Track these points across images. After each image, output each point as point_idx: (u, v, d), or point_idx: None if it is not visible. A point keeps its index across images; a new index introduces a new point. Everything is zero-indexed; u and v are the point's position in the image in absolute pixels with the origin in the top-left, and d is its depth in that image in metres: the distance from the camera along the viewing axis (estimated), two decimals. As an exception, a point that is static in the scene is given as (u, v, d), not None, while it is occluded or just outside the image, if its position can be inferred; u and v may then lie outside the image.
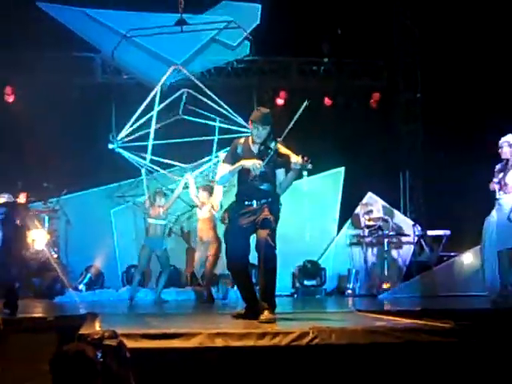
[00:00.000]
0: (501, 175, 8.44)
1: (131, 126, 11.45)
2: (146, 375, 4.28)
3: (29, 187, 12.12)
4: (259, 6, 12.55)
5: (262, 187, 6.95)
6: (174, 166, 12.15)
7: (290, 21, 13.95)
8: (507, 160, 8.47)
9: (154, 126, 11.49)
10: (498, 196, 8.49)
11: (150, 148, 11.45)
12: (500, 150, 8.52)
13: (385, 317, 6.76)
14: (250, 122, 7.21)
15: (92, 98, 13.85)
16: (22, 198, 11.92)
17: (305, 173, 12.60)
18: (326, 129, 13.97)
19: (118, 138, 11.43)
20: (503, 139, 8.54)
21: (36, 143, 12.23)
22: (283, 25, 13.83)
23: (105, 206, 12.66)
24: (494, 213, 8.56)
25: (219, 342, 5.08)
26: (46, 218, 11.94)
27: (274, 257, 6.91)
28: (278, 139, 6.87)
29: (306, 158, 6.65)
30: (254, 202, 6.96)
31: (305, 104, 6.77)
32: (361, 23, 14.36)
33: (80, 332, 5.09)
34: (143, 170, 11.78)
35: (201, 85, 11.99)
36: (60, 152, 12.31)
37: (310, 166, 6.67)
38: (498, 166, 8.57)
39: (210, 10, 12.60)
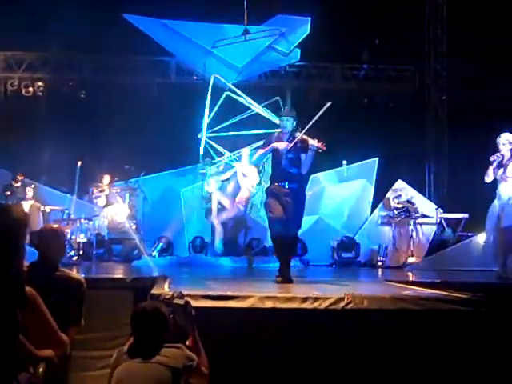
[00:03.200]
0: (500, 171, 8.22)
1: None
2: (205, 331, 4.30)
3: (114, 169, 12.30)
4: (309, 19, 12.47)
5: (291, 170, 7.24)
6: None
7: (334, 31, 13.80)
8: (502, 156, 8.25)
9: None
10: (499, 187, 8.29)
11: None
12: (499, 146, 8.30)
13: (410, 286, 6.69)
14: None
15: (167, 95, 13.93)
16: (106, 179, 12.13)
17: (345, 162, 12.63)
18: (364, 125, 13.79)
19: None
20: (503, 137, 8.29)
21: (120, 133, 12.39)
22: (329, 35, 13.70)
23: (176, 185, 12.75)
24: (495, 202, 8.38)
25: (268, 304, 5.10)
26: (127, 195, 12.06)
27: (296, 237, 7.40)
28: (300, 130, 7.27)
29: (321, 142, 7.09)
30: (286, 183, 7.21)
31: (327, 105, 7.40)
32: (396, 34, 14.15)
33: (152, 292, 5.16)
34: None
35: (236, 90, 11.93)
36: (140, 140, 12.45)
37: (324, 147, 7.10)
38: (495, 161, 8.29)
39: (267, 21, 12.55)
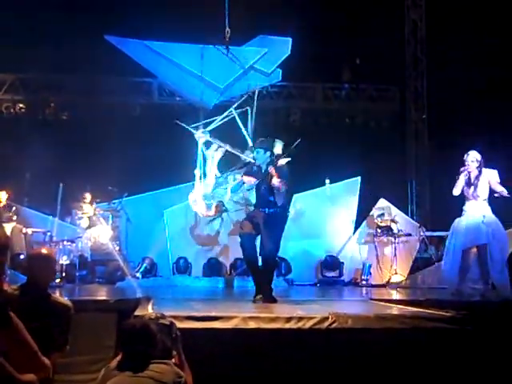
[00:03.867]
0: (471, 190, 8.30)
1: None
2: (189, 351, 4.27)
3: (96, 190, 12.24)
4: (290, 40, 12.58)
5: (270, 198, 7.39)
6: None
7: (315, 52, 13.92)
8: (469, 173, 8.34)
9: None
10: (467, 204, 8.38)
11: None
12: (467, 163, 8.39)
13: (394, 305, 6.69)
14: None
15: (150, 116, 13.95)
16: (88, 198, 12.06)
17: (327, 181, 12.67)
18: (346, 144, 13.89)
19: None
20: (471, 155, 8.37)
21: (103, 154, 12.35)
22: (310, 55, 13.81)
23: (159, 206, 12.70)
24: (462, 218, 8.46)
25: (252, 325, 5.07)
26: (110, 216, 12.01)
27: (272, 257, 7.39)
28: (271, 166, 7.40)
29: (282, 182, 7.24)
30: (266, 209, 7.39)
31: (298, 141, 7.84)
32: (377, 54, 14.29)
33: (135, 313, 5.11)
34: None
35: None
36: (123, 161, 12.40)
37: (281, 188, 7.27)
38: (463, 172, 8.40)
39: (248, 42, 12.63)
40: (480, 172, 8.30)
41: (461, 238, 8.40)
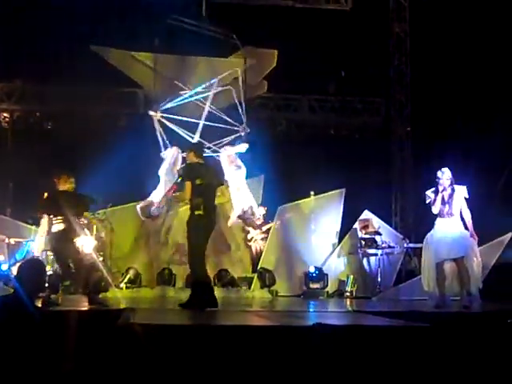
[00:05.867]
0: (446, 208, 8.41)
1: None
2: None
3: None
4: (276, 52, 12.65)
5: None
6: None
7: (301, 64, 14.03)
8: (443, 189, 8.45)
9: None
10: (439, 221, 8.50)
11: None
12: (438, 180, 8.51)
13: (378, 317, 6.72)
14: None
15: (135, 126, 13.94)
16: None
17: (312, 192, 12.71)
18: (331, 156, 13.97)
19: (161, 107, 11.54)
20: (446, 173, 8.49)
21: (87, 164, 12.31)
22: (296, 67, 13.91)
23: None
24: (433, 232, 8.58)
25: (237, 335, 5.07)
26: (94, 226, 11.95)
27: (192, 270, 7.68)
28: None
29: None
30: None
31: None
32: (362, 67, 14.43)
33: (119, 322, 5.11)
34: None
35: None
36: (107, 171, 12.36)
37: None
38: (432, 195, 8.54)
39: (235, 53, 12.67)
40: (453, 190, 8.43)
41: (433, 252, 8.52)
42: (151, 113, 11.65)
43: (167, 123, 11.61)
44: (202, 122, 11.58)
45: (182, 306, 7.40)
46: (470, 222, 8.40)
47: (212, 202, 7.67)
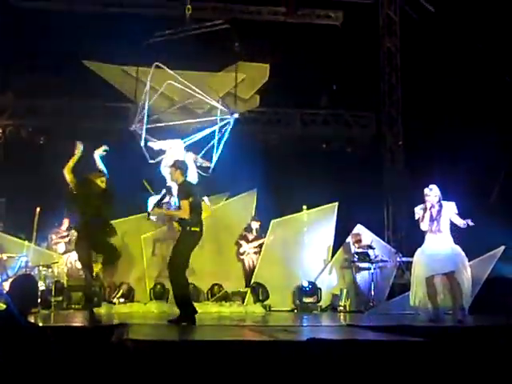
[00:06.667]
0: (434, 225, 8.47)
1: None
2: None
3: (73, 215, 12.14)
4: (268, 66, 12.72)
5: None
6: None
7: (292, 78, 14.11)
8: (431, 206, 8.51)
9: None
10: (428, 236, 8.56)
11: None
12: (426, 197, 8.58)
13: (371, 331, 6.73)
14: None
15: (128, 140, 13.92)
16: (66, 223, 11.97)
17: (304, 207, 12.72)
18: (322, 170, 14.01)
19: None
20: (434, 190, 8.56)
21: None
22: (287, 81, 13.98)
23: (137, 231, 12.61)
24: (424, 248, 8.66)
25: (232, 350, 5.07)
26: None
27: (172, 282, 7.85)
28: None
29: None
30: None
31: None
32: (353, 81, 14.51)
33: (112, 339, 5.10)
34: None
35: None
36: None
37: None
38: (421, 212, 8.60)
39: (227, 68, 12.73)
40: (441, 206, 8.49)
41: (423, 267, 8.57)
42: (131, 128, 11.77)
43: (148, 137, 11.70)
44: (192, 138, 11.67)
45: (171, 322, 7.47)
46: (469, 221, 8.41)
47: (201, 216, 7.88)
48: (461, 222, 8.43)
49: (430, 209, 8.48)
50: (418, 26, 14.23)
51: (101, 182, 8.81)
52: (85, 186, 8.87)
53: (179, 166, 8.06)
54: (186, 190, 7.82)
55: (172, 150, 11.47)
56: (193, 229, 7.61)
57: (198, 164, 11.50)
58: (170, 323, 7.46)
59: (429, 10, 14.02)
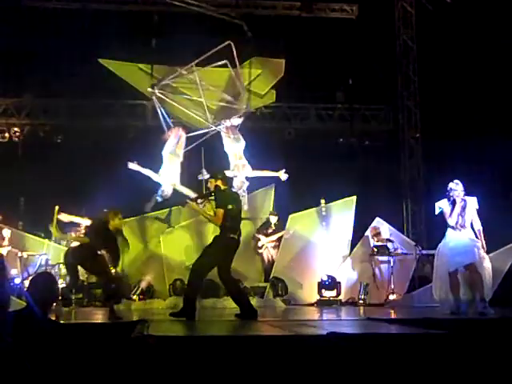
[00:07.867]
0: (460, 221, 8.39)
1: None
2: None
3: (92, 213, 12.17)
4: (283, 61, 12.65)
5: None
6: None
7: (308, 73, 14.05)
8: (454, 201, 8.43)
9: None
10: (454, 230, 8.47)
11: None
12: (452, 193, 8.48)
13: (392, 324, 6.67)
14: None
15: (144, 138, 13.94)
16: (86, 221, 12.00)
17: (322, 201, 12.66)
18: (340, 164, 13.95)
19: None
20: (460, 185, 8.47)
21: (98, 176, 12.33)
22: (304, 76, 13.93)
23: (156, 228, 12.63)
24: (447, 241, 8.56)
25: (252, 344, 5.04)
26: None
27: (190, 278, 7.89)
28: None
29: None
30: None
31: None
32: (370, 75, 14.42)
33: (132, 336, 5.09)
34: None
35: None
36: (117, 183, 12.35)
37: None
38: (445, 206, 8.52)
39: (243, 63, 12.68)
40: (465, 201, 8.41)
41: (446, 262, 8.49)
42: (149, 89, 11.87)
43: (167, 100, 11.84)
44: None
45: (173, 315, 7.67)
46: (481, 233, 8.38)
47: (239, 225, 8.10)
48: (477, 228, 8.40)
49: (459, 203, 8.40)
50: (434, 17, 14.09)
51: (119, 220, 8.59)
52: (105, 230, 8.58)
53: (222, 177, 8.20)
54: (224, 198, 7.96)
55: (176, 138, 11.66)
56: (231, 235, 7.80)
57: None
58: (171, 316, 7.64)
59: (444, 1, 13.86)
